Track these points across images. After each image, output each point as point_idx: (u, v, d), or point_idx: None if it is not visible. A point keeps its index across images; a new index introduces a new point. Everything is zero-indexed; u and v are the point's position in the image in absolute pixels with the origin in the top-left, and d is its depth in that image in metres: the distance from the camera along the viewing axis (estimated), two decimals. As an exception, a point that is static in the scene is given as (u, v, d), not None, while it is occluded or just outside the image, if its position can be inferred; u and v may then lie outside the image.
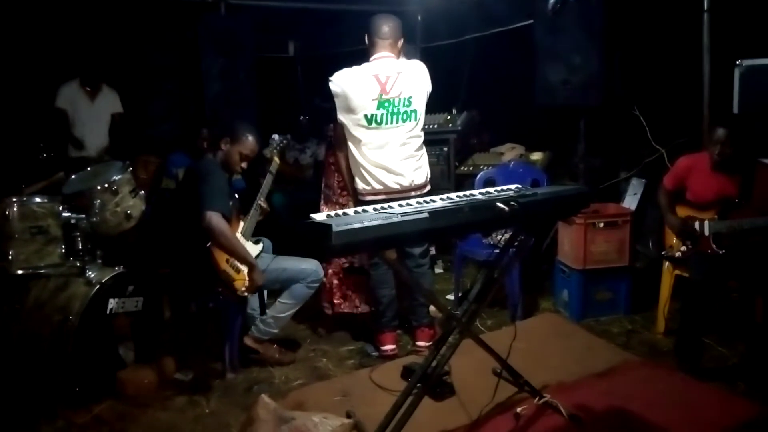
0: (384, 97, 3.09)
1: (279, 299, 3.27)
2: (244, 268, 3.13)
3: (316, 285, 3.27)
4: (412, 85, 3.12)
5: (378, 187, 3.16)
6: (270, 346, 3.31)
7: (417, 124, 3.18)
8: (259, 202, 3.35)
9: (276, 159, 3.54)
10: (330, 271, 3.65)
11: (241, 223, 3.28)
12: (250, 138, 3.19)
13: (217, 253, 3.03)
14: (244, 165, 3.22)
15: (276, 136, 3.59)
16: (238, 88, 4.80)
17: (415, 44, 5.13)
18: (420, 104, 3.16)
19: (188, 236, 3.05)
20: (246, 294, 3.12)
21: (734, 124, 3.03)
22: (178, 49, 5.30)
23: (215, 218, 2.91)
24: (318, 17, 5.57)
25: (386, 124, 3.11)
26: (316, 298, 3.52)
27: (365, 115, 3.10)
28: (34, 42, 4.72)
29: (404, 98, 3.11)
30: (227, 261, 3.07)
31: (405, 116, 3.13)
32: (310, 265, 3.24)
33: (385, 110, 3.10)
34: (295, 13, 5.46)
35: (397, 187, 3.15)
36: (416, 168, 3.20)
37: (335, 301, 3.69)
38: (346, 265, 3.64)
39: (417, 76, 3.16)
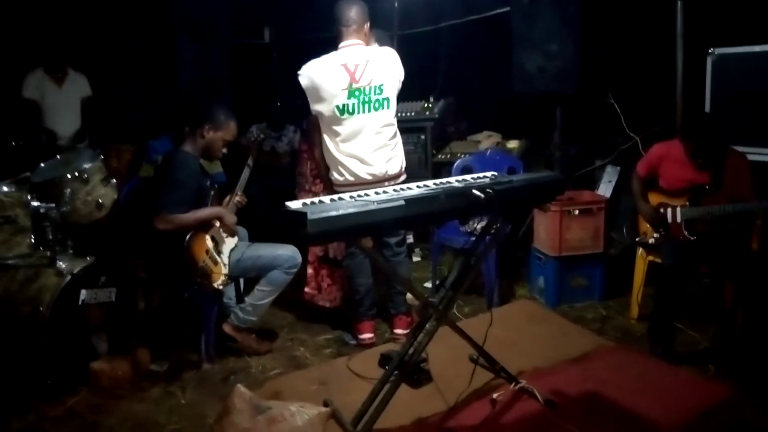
0: (354, 86, 3.04)
1: (257, 287, 3.25)
2: (221, 260, 3.10)
3: (294, 270, 3.25)
4: (382, 73, 3.07)
5: (350, 178, 3.12)
6: (248, 335, 3.28)
7: (390, 112, 3.13)
8: (236, 196, 3.31)
9: (254, 153, 3.50)
10: (308, 259, 3.63)
11: None
12: (232, 123, 3.20)
13: (196, 247, 3.00)
14: (224, 150, 3.23)
15: (254, 128, 3.55)
16: (212, 75, 4.73)
17: (392, 31, 5.10)
18: (392, 92, 3.11)
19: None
20: (222, 287, 3.10)
21: (702, 136, 3.04)
22: (151, 35, 5.19)
23: (161, 222, 2.93)
24: (294, 3, 5.49)
25: (358, 113, 3.06)
26: (295, 287, 3.50)
27: (336, 106, 3.05)
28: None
29: (375, 86, 3.06)
30: (206, 252, 3.04)
31: (377, 104, 3.08)
32: (286, 251, 3.21)
33: (356, 99, 3.05)
34: (270, -2, 5.39)
35: (370, 177, 3.10)
36: (389, 158, 3.16)
37: (307, 290, 3.68)
38: (321, 254, 3.62)
39: (387, 63, 3.10)
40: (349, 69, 3.04)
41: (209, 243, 3.08)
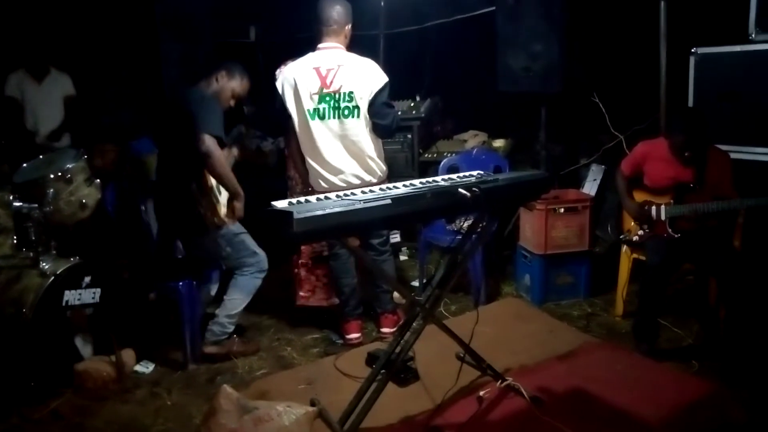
0: (325, 91, 2.98)
1: (226, 296, 3.21)
2: (222, 201, 3.11)
3: (262, 275, 3.23)
4: (352, 80, 2.97)
5: (324, 185, 3.09)
6: (230, 342, 3.25)
7: (360, 122, 3.01)
8: (233, 149, 3.30)
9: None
10: (300, 261, 3.60)
11: None
12: (246, 80, 3.20)
13: (206, 176, 3.00)
14: (232, 103, 3.20)
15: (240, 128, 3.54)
16: (197, 75, 4.69)
17: (378, 30, 5.10)
18: (363, 100, 2.98)
19: (176, 166, 3.04)
20: (226, 222, 3.08)
21: (691, 128, 3.06)
22: (135, 34, 5.15)
23: (211, 142, 2.87)
24: (280, 2, 5.47)
25: (329, 118, 3.01)
26: (284, 286, 3.49)
27: (308, 110, 3.02)
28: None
29: (345, 93, 2.97)
30: (210, 191, 3.05)
31: (347, 111, 2.99)
32: (262, 253, 3.20)
33: (326, 105, 3.00)
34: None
35: (343, 185, 3.04)
36: (363, 168, 3.07)
37: (301, 293, 3.65)
38: (314, 255, 3.59)
39: (360, 70, 2.99)
40: (321, 73, 2.99)
41: (213, 182, 3.08)
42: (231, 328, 3.22)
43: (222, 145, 2.96)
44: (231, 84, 3.15)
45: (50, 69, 4.50)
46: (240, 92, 3.20)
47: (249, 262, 3.17)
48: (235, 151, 3.32)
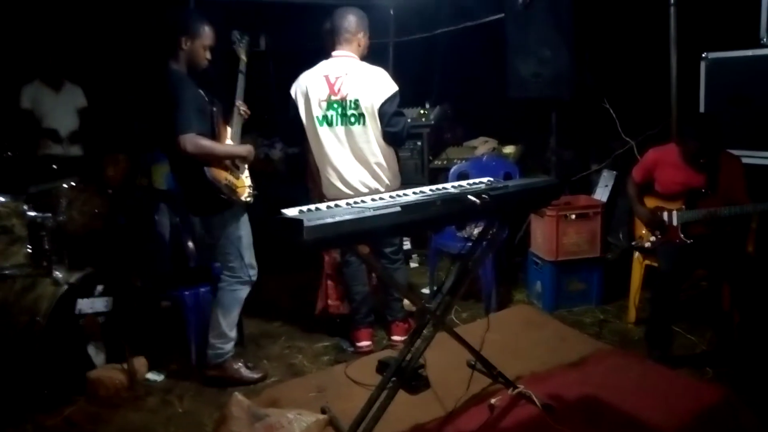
0: (333, 98, 3.01)
1: (212, 319, 3.08)
2: (243, 176, 3.03)
3: (245, 287, 3.08)
4: (359, 88, 2.99)
5: (332, 192, 3.10)
6: (233, 366, 3.12)
7: (366, 129, 3.02)
8: (238, 105, 3.17)
9: (243, 57, 3.32)
10: (326, 272, 3.60)
11: (229, 129, 3.11)
12: (207, 27, 3.02)
13: (216, 167, 2.90)
14: (208, 56, 3.05)
15: (235, 32, 3.43)
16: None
17: (388, 39, 5.12)
18: (368, 109, 2.99)
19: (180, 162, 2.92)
20: (250, 199, 3.01)
21: (706, 136, 3.04)
22: (146, 44, 5.21)
23: (189, 142, 2.76)
24: (290, 11, 5.51)
25: (336, 125, 3.03)
26: (293, 295, 3.48)
27: (317, 116, 3.04)
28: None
29: (351, 100, 3.00)
30: (227, 170, 2.96)
31: (354, 119, 3.02)
32: (250, 261, 3.06)
33: (334, 111, 3.02)
34: (267, 6, 5.40)
35: (351, 192, 3.04)
36: (371, 176, 3.08)
37: (330, 302, 3.62)
38: (338, 266, 3.55)
39: (366, 79, 3.00)
40: (330, 81, 3.02)
41: (227, 162, 2.98)
42: (226, 348, 3.10)
43: (202, 132, 2.83)
44: (197, 42, 2.96)
45: (64, 81, 4.56)
46: (209, 43, 3.01)
47: (231, 263, 3.03)
48: (241, 105, 3.15)
